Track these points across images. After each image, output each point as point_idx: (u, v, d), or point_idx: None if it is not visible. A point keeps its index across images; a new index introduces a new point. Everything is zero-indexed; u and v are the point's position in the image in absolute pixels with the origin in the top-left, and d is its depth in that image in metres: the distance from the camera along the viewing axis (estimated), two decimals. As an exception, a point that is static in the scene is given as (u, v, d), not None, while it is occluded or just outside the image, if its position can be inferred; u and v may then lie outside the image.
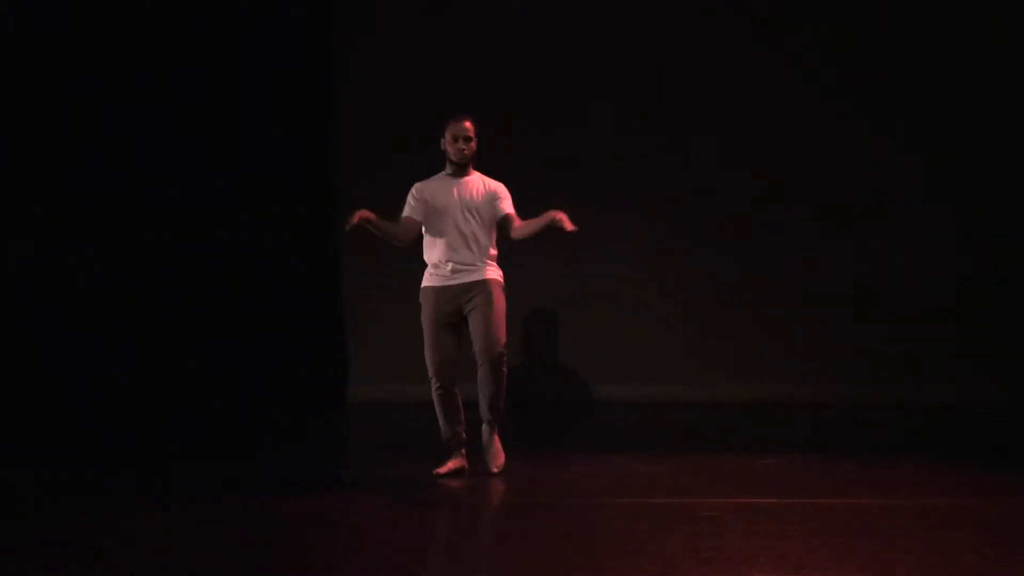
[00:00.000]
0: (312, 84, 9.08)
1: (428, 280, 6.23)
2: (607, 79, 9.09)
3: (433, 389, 6.17)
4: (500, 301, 6.16)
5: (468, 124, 6.18)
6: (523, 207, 6.24)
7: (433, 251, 6.21)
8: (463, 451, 6.25)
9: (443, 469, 6.17)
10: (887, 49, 9.09)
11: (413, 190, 6.23)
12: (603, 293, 9.10)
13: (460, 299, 6.15)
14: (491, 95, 8.89)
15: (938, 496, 5.80)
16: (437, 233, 6.17)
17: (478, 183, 6.22)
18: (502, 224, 6.20)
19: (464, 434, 6.25)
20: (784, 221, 9.12)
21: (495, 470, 6.20)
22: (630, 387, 9.05)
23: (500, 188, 6.23)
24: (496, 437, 6.26)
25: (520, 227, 6.14)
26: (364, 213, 5.97)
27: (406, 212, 6.20)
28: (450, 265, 6.14)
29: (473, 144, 6.17)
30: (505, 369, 6.15)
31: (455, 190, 6.17)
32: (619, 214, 8.89)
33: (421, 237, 6.25)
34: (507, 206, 6.19)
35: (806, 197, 9.10)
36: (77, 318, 8.61)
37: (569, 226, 5.91)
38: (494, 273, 6.21)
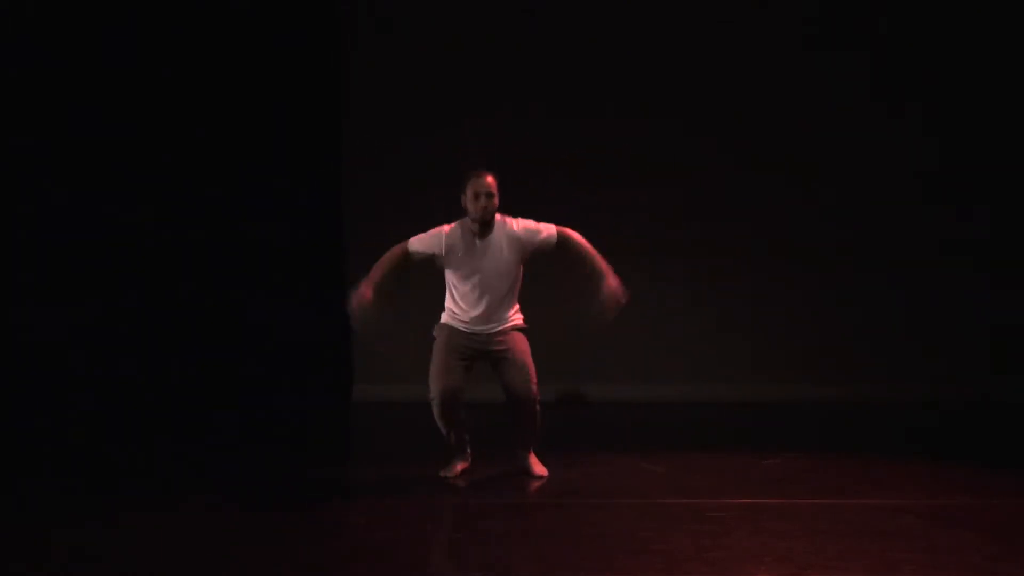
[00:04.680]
0: (315, 84, 9.06)
1: (450, 320, 6.02)
2: (612, 75, 9.06)
3: (434, 405, 5.98)
4: (525, 346, 6.00)
5: (490, 180, 5.81)
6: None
7: (458, 304, 5.98)
8: (467, 453, 6.25)
9: (452, 472, 6.16)
10: (900, 48, 9.06)
11: (443, 241, 5.87)
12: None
13: (484, 346, 5.97)
14: (491, 94, 8.88)
15: (944, 496, 5.79)
16: (463, 292, 5.93)
17: (501, 239, 5.88)
18: (556, 250, 5.89)
19: (467, 437, 6.21)
20: (785, 220, 9.09)
21: (541, 475, 6.17)
22: (632, 387, 9.02)
23: (526, 231, 5.89)
24: (531, 455, 6.22)
25: (581, 250, 5.86)
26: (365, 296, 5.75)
27: (420, 248, 5.90)
28: (476, 322, 5.94)
29: (496, 200, 5.82)
30: (539, 408, 6.05)
31: (482, 254, 5.87)
32: (618, 213, 8.85)
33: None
34: (546, 236, 5.87)
35: (807, 196, 9.08)
36: (78, 316, 8.60)
37: (611, 305, 5.79)
38: (517, 320, 6.04)
